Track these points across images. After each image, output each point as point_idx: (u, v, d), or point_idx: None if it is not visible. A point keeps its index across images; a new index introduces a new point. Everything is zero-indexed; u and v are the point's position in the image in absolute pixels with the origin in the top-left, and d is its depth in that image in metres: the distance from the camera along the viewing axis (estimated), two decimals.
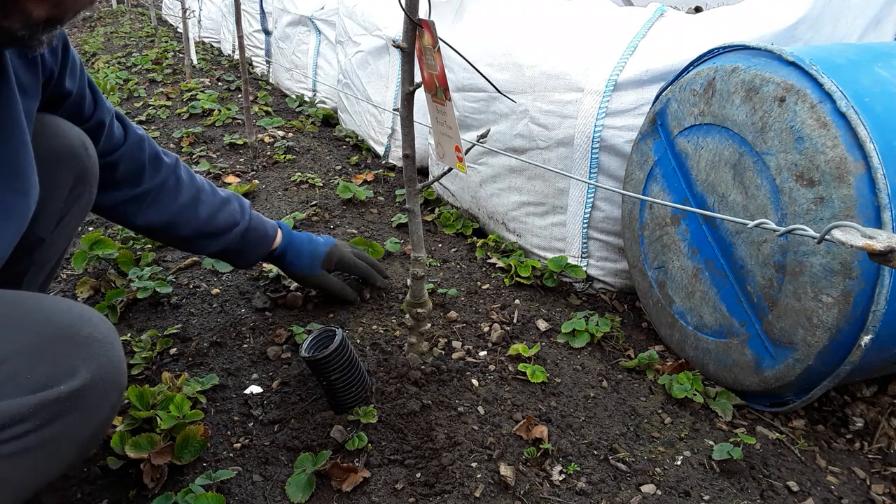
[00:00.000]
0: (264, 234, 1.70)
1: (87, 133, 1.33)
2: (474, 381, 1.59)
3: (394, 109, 3.05)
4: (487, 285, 2.13)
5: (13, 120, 1.01)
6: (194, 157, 3.43)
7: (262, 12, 5.71)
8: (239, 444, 1.37)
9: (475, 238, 2.52)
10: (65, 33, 1.19)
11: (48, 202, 1.22)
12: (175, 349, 1.70)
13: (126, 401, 1.43)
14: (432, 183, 1.48)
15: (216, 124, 4.06)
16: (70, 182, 1.26)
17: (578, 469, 1.36)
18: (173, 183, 1.54)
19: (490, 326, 1.86)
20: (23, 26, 0.83)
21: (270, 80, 5.82)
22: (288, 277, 1.91)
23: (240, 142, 3.63)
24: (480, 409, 1.50)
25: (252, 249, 1.69)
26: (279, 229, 1.76)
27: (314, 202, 2.76)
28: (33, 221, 1.18)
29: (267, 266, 2.10)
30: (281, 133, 3.88)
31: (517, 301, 2.04)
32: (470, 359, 1.70)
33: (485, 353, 1.74)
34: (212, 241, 1.62)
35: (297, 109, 4.68)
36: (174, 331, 1.77)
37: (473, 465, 1.32)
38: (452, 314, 1.91)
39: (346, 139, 3.91)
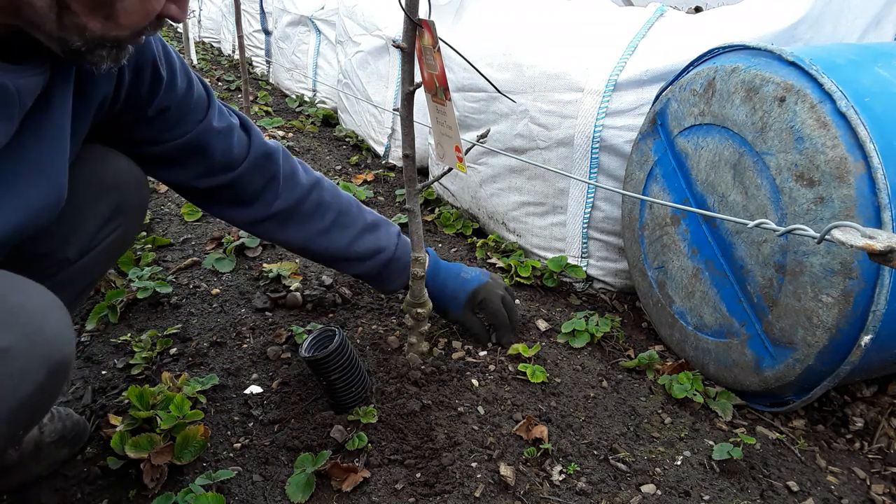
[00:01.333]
0: (407, 265, 1.59)
1: (193, 145, 1.29)
2: (474, 381, 1.59)
3: (394, 109, 3.05)
4: None
5: (57, 126, 1.01)
6: None
7: (262, 12, 5.71)
8: (239, 444, 1.37)
9: (475, 238, 2.52)
10: (154, 54, 1.16)
11: (80, 225, 1.19)
12: (175, 349, 1.70)
13: (126, 401, 1.43)
14: (432, 183, 1.48)
15: None
16: (108, 212, 1.22)
17: (578, 469, 1.36)
18: (312, 206, 1.47)
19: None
20: (80, 39, 0.85)
21: (270, 80, 5.83)
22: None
23: None
24: (480, 409, 1.50)
25: (394, 279, 1.63)
26: (426, 257, 1.61)
27: None
28: (62, 241, 1.17)
29: (267, 266, 2.10)
30: (281, 133, 3.88)
31: (517, 301, 2.04)
32: (470, 359, 1.70)
33: (485, 353, 1.74)
34: (352, 265, 1.58)
35: (298, 109, 4.68)
36: (174, 331, 1.77)
37: (473, 465, 1.32)
38: None
39: (346, 139, 3.91)
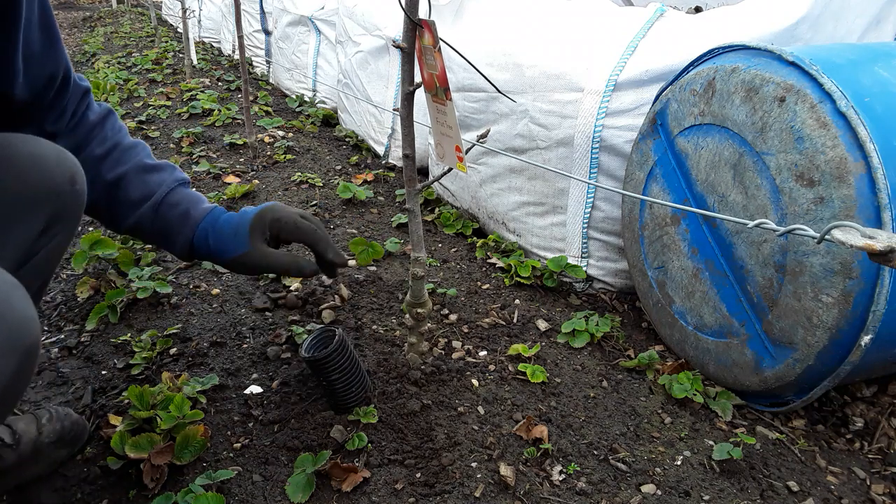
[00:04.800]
0: (185, 213, 1.26)
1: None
2: (474, 381, 1.59)
3: (394, 109, 3.05)
4: (487, 285, 2.13)
5: None
6: (194, 157, 3.43)
7: (262, 12, 5.71)
8: (239, 444, 1.37)
9: (475, 238, 2.52)
10: None
11: (10, 242, 1.04)
12: (175, 349, 1.70)
13: (126, 401, 1.43)
14: (432, 183, 1.48)
15: (216, 124, 4.06)
16: (42, 223, 1.07)
17: (578, 469, 1.36)
18: (85, 131, 1.22)
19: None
20: None
21: (270, 80, 5.82)
22: (226, 269, 1.38)
23: (240, 142, 3.63)
24: (480, 409, 1.50)
25: (171, 231, 1.26)
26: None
27: (314, 202, 2.76)
28: None
29: None
30: (281, 133, 3.88)
31: (517, 301, 2.04)
32: (470, 359, 1.70)
33: (485, 352, 1.74)
34: (120, 212, 1.25)
35: (297, 109, 4.68)
36: (174, 331, 1.77)
37: (473, 465, 1.32)
38: (452, 315, 1.91)
39: (346, 139, 3.91)
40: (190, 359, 1.66)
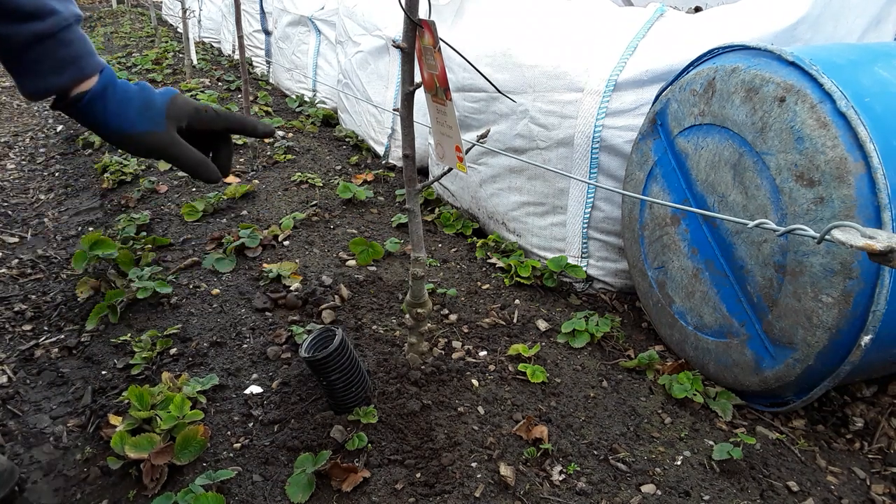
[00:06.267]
0: (78, 56, 0.99)
1: None
2: (474, 381, 1.59)
3: (394, 109, 3.05)
4: (487, 285, 2.13)
5: None
6: None
7: (262, 12, 5.71)
8: (239, 445, 1.37)
9: (475, 238, 2.52)
10: None
11: None
12: (175, 349, 1.70)
13: (126, 401, 1.43)
14: (432, 183, 1.48)
15: None
16: None
17: (578, 469, 1.36)
18: None
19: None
20: None
21: (270, 81, 5.83)
22: (111, 143, 1.04)
23: (240, 142, 3.63)
24: (480, 409, 1.50)
25: (54, 66, 0.97)
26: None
27: (314, 202, 2.76)
28: None
29: (267, 266, 2.09)
30: (281, 133, 3.88)
31: (517, 301, 2.04)
32: (470, 359, 1.70)
33: (485, 353, 1.74)
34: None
35: (297, 109, 4.68)
36: (174, 331, 1.77)
37: (473, 465, 1.32)
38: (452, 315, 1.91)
39: (346, 139, 3.91)
40: (190, 359, 1.66)
